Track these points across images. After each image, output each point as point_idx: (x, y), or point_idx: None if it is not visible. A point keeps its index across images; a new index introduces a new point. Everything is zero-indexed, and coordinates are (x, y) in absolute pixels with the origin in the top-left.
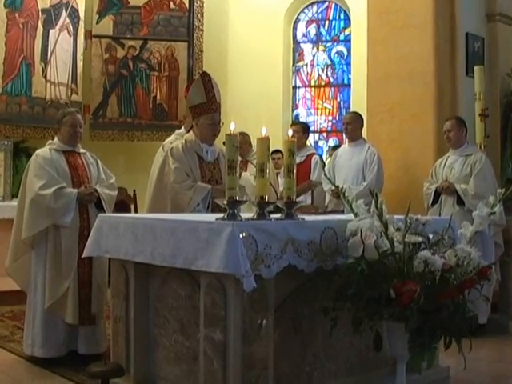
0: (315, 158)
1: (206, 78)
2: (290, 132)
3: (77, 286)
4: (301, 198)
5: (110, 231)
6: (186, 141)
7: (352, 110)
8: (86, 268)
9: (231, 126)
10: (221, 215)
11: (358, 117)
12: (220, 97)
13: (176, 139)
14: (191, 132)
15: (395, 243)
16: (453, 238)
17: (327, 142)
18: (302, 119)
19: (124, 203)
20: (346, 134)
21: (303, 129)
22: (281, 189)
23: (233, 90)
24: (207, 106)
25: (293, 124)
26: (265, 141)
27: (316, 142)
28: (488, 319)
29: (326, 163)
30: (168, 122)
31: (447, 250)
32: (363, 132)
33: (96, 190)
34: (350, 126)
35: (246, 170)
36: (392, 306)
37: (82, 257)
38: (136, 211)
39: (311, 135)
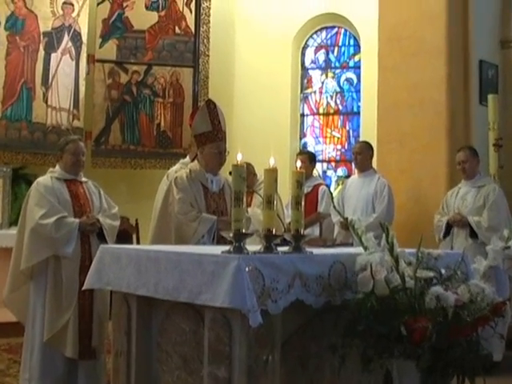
0: (323, 188)
1: (211, 106)
2: (299, 163)
3: (77, 319)
4: (308, 231)
5: (112, 263)
6: (190, 170)
7: (361, 139)
8: (87, 300)
9: (238, 156)
10: (226, 248)
11: (367, 146)
12: (225, 125)
13: (181, 168)
14: (196, 161)
15: (406, 278)
16: (466, 272)
17: (336, 171)
18: (309, 148)
19: (126, 233)
20: (355, 164)
21: (310, 158)
22: (287, 221)
23: (239, 117)
24: (212, 134)
25: (299, 153)
26: (272, 172)
27: (324, 172)
28: (503, 357)
29: (335, 194)
30: (172, 150)
31: (460, 286)
32: (373, 162)
33: (98, 220)
34: (360, 156)
35: (251, 200)
36: (403, 344)
37: (83, 289)
38: (138, 241)
39: (319, 165)
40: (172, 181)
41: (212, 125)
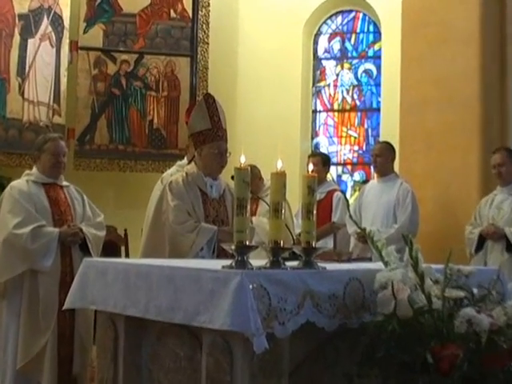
0: (337, 194)
1: (209, 101)
2: (311, 166)
3: (56, 343)
4: (321, 243)
5: (97, 278)
6: (186, 174)
7: (382, 139)
8: (68, 321)
9: (241, 158)
10: (228, 262)
11: (388, 147)
12: (226, 122)
13: (177, 172)
14: (192, 163)
15: (433, 298)
16: (502, 292)
17: (352, 176)
18: (322, 149)
19: (113, 245)
20: (374, 168)
21: (323, 160)
22: (297, 231)
23: (243, 114)
24: (212, 132)
25: (311, 155)
26: (280, 176)
27: (339, 176)
28: None
29: (351, 201)
30: (166, 151)
31: (495, 308)
32: (395, 165)
33: (81, 230)
34: (380, 159)
35: (256, 208)
36: (429, 374)
37: (64, 308)
38: (127, 254)
39: (333, 168)
40: (166, 186)
41: (211, 122)
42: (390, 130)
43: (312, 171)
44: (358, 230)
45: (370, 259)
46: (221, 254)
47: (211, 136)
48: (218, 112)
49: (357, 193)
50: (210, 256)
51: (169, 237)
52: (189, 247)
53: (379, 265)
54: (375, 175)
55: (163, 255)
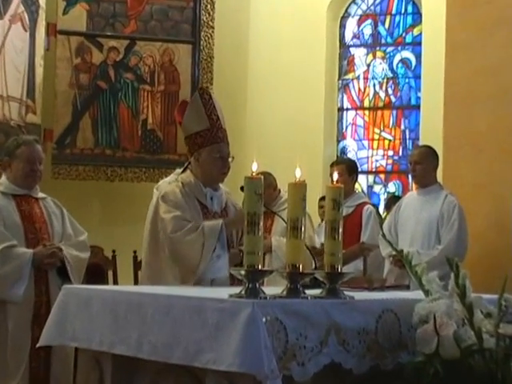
0: (368, 209)
1: (205, 97)
2: (336, 175)
3: None
4: (349, 267)
5: (79, 310)
6: (182, 183)
7: (421, 142)
8: (43, 362)
9: (253, 166)
10: (236, 290)
11: (430, 153)
12: (225, 122)
13: (176, 180)
14: (188, 172)
15: (484, 335)
16: None
17: (386, 186)
18: (350, 154)
19: (99, 268)
20: (413, 178)
21: (348, 168)
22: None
23: (254, 112)
24: (211, 133)
25: (336, 162)
26: (299, 187)
27: (370, 187)
28: None
29: (384, 217)
30: (163, 156)
31: None
32: (438, 174)
33: (60, 251)
34: (420, 167)
35: (271, 225)
36: None
37: (38, 346)
38: (116, 281)
39: (363, 177)
40: (159, 198)
41: (209, 121)
42: (431, 131)
43: (337, 181)
44: (394, 252)
45: (407, 287)
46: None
47: (210, 138)
48: (216, 109)
49: (392, 207)
50: (227, 253)
51: (171, 251)
52: (199, 252)
53: (419, 294)
54: (414, 186)
55: (164, 281)
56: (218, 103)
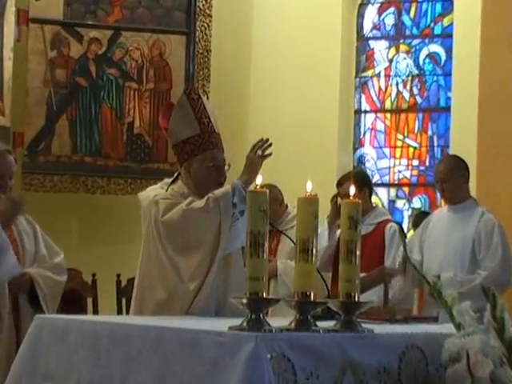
0: (392, 227)
1: (193, 97)
2: (352, 189)
3: None
4: (368, 296)
5: (54, 343)
6: (173, 195)
7: (452, 150)
8: None
9: (257, 179)
10: (236, 322)
11: (456, 166)
12: (218, 125)
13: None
14: (179, 183)
15: None
16: None
17: (410, 202)
18: (369, 164)
19: (77, 295)
20: (441, 195)
21: (360, 181)
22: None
23: (258, 115)
24: (202, 139)
25: (338, 182)
26: (310, 202)
27: (392, 202)
28: None
29: (409, 237)
30: (152, 165)
31: None
32: (471, 185)
33: (30, 275)
34: (448, 185)
35: (277, 246)
36: None
37: None
38: (96, 309)
39: (383, 191)
40: (152, 204)
41: (200, 125)
42: (463, 137)
43: (355, 195)
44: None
45: (435, 319)
46: None
47: (201, 144)
48: (207, 111)
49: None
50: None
51: (179, 220)
52: (217, 216)
53: (449, 327)
54: (443, 201)
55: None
56: (209, 104)
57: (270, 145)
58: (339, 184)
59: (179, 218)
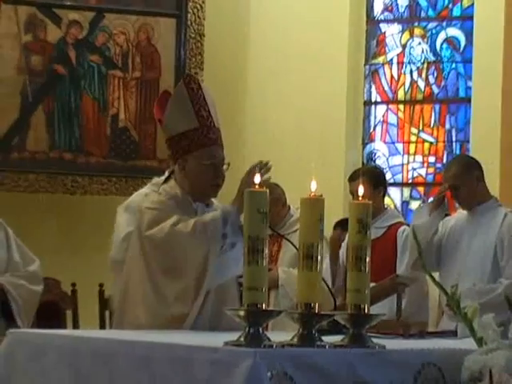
0: (404, 231)
1: (192, 86)
2: (361, 188)
3: None
4: (378, 307)
5: (29, 362)
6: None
7: (473, 146)
8: None
9: (255, 178)
10: (232, 336)
11: (466, 168)
12: (218, 119)
13: (152, 192)
14: (172, 182)
15: None
16: None
17: (426, 202)
18: (380, 161)
19: (55, 307)
20: (457, 201)
21: (373, 179)
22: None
23: (256, 107)
24: (200, 134)
25: (350, 177)
26: (315, 204)
27: (405, 203)
28: None
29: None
30: (139, 163)
31: None
32: (494, 185)
33: (2, 284)
34: (463, 191)
35: (278, 252)
36: None
37: None
38: (76, 323)
39: (396, 190)
40: (140, 212)
41: (198, 118)
42: (485, 131)
43: (364, 195)
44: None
45: (454, 333)
46: None
47: (198, 140)
48: (207, 103)
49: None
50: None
51: (163, 243)
52: (203, 241)
53: (469, 343)
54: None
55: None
56: (211, 95)
57: (269, 169)
58: (351, 179)
59: (163, 238)
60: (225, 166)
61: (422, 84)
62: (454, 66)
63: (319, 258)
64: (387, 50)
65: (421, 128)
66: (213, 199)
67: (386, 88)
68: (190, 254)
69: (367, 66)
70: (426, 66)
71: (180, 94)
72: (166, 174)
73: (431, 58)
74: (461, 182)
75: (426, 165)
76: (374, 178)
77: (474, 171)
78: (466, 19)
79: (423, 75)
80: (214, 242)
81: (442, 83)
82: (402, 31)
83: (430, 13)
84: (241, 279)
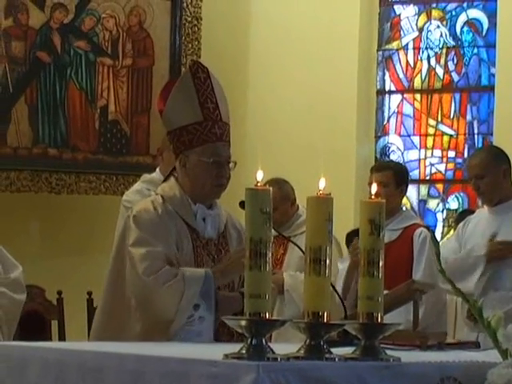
0: (422, 233)
1: (199, 75)
2: (374, 187)
3: None
4: (393, 316)
5: (11, 377)
6: (163, 198)
7: (496, 138)
8: None
9: (258, 174)
10: (233, 348)
11: (493, 157)
12: (228, 112)
13: (142, 191)
14: (172, 181)
15: None
16: None
17: (445, 201)
18: (394, 156)
19: (39, 318)
20: (478, 196)
21: (397, 177)
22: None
23: (259, 98)
24: (204, 128)
25: (375, 167)
26: (323, 203)
27: (422, 202)
28: None
29: (443, 244)
30: (130, 159)
31: None
32: None
33: None
34: (484, 182)
35: (283, 255)
36: None
37: None
38: (62, 335)
39: (413, 188)
40: (131, 218)
41: (203, 111)
42: (510, 122)
43: (377, 194)
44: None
45: (477, 345)
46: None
47: (202, 135)
48: (215, 94)
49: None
50: (213, 315)
51: (138, 298)
52: (174, 305)
53: (493, 355)
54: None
55: (128, 336)
56: (220, 85)
57: None
58: (376, 169)
59: (136, 283)
60: (230, 165)
61: (440, 71)
62: (475, 51)
63: (327, 261)
64: (402, 35)
65: (439, 119)
66: (216, 201)
67: (401, 76)
68: (160, 304)
69: (380, 52)
70: (444, 51)
71: (185, 83)
72: (157, 171)
73: (450, 42)
74: (486, 171)
75: (445, 160)
76: (400, 175)
77: (503, 164)
78: (489, 0)
79: (442, 62)
80: (183, 310)
81: (463, 70)
82: (419, 13)
83: None
84: (242, 289)
